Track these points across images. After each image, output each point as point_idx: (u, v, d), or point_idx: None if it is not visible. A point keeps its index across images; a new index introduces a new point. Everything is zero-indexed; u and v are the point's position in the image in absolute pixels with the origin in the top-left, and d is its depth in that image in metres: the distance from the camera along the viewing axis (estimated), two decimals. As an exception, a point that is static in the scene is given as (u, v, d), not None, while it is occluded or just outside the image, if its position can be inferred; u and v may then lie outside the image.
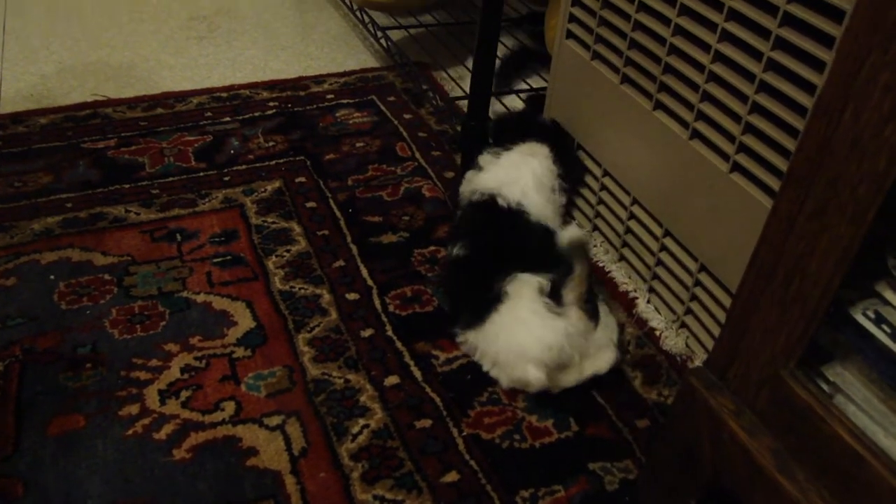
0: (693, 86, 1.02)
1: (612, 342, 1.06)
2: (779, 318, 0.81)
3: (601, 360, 1.05)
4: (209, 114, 1.65)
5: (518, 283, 1.05)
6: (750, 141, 0.95)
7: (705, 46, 0.98)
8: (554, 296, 1.02)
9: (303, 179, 1.47)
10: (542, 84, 1.51)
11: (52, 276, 1.23)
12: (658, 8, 1.04)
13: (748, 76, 0.93)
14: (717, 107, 0.99)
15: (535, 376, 1.01)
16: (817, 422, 0.78)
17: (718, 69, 0.97)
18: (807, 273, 0.76)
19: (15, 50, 1.86)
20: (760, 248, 0.84)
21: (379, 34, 1.66)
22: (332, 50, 1.94)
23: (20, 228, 1.32)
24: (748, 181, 0.97)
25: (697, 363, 1.11)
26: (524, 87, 1.50)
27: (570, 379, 1.05)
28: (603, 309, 1.08)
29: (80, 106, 1.65)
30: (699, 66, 1.00)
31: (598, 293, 1.11)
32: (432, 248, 1.33)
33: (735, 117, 0.97)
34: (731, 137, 0.98)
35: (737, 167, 0.98)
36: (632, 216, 1.20)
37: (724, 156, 0.99)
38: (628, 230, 1.21)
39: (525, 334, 1.02)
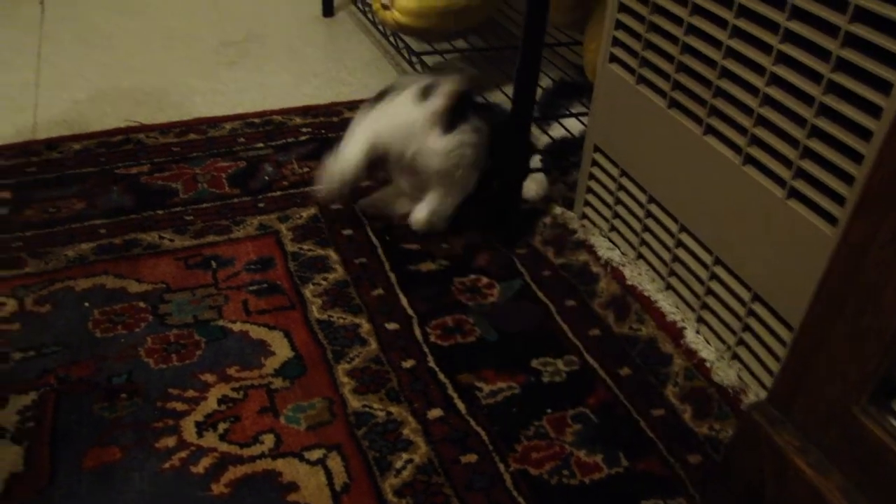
0: (746, 110, 0.99)
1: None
2: (849, 353, 0.78)
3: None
4: (242, 140, 1.63)
5: (405, 83, 1.29)
6: (808, 166, 0.92)
7: (760, 69, 0.95)
8: (424, 95, 1.25)
9: (339, 206, 1.44)
10: (582, 110, 1.48)
11: (86, 304, 1.21)
12: (708, 30, 1.02)
13: (806, 99, 0.90)
14: (773, 131, 0.96)
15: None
16: (891, 459, 0.74)
17: (774, 92, 0.94)
18: (881, 304, 0.72)
19: (49, 76, 1.86)
20: (828, 278, 0.80)
21: (413, 59, 1.65)
22: (365, 75, 1.92)
23: (54, 255, 1.30)
24: (806, 208, 0.94)
25: (751, 396, 1.07)
26: (564, 113, 1.47)
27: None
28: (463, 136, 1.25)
29: (114, 132, 1.64)
30: (753, 90, 0.97)
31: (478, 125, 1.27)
32: (472, 276, 1.30)
33: (792, 142, 0.94)
34: (787, 162, 0.95)
35: (794, 193, 0.95)
36: (679, 244, 1.16)
37: (780, 181, 0.96)
38: (675, 258, 1.18)
39: (391, 108, 1.27)
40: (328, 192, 1.30)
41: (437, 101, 1.23)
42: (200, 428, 1.03)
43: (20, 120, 1.68)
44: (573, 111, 1.49)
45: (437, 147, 1.24)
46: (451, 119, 1.23)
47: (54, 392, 1.07)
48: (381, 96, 1.33)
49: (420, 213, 1.34)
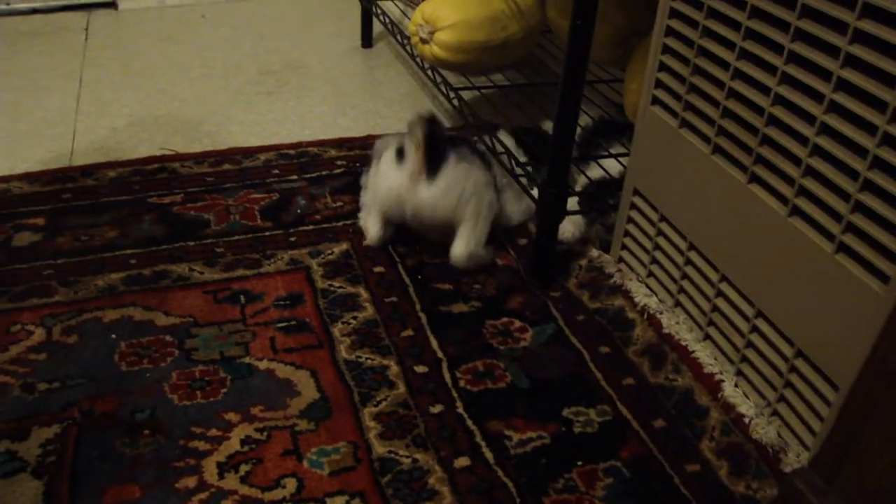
0: (794, 159, 0.95)
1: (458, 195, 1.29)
2: (903, 423, 0.73)
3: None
4: (276, 171, 1.63)
5: (383, 146, 1.35)
6: (859, 220, 0.88)
7: (810, 118, 0.92)
8: (399, 156, 1.29)
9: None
10: (622, 151, 1.45)
11: (113, 336, 1.20)
12: (756, 76, 0.98)
13: (859, 151, 0.87)
14: (822, 182, 0.92)
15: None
16: (948, 541, 0.69)
17: (824, 142, 0.91)
18: (940, 375, 0.68)
19: (89, 103, 1.87)
20: (881, 343, 0.76)
21: (451, 94, 1.63)
22: (401, 108, 1.91)
23: (84, 284, 1.30)
24: (856, 263, 0.90)
25: (791, 456, 1.02)
26: (603, 153, 1.45)
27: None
28: (452, 174, 1.28)
29: (148, 160, 1.64)
30: (802, 139, 0.94)
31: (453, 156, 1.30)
32: (505, 319, 1.27)
33: (842, 194, 0.90)
34: (836, 216, 0.91)
35: (843, 248, 0.91)
36: (720, 294, 1.12)
37: (829, 235, 0.92)
38: (715, 308, 1.14)
39: (378, 180, 1.33)
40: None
41: (410, 158, 1.27)
42: (222, 469, 1.00)
43: (58, 146, 1.69)
44: (612, 151, 1.46)
45: (430, 197, 1.28)
46: (429, 167, 1.27)
47: (77, 426, 1.05)
48: (369, 163, 1.41)
49: (457, 250, 1.33)
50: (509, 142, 1.53)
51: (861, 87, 0.85)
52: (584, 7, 1.11)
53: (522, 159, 1.48)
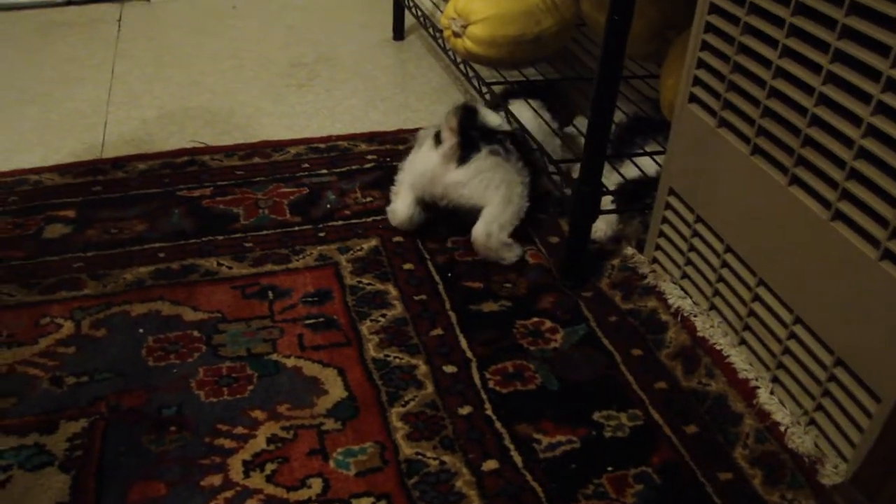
0: (838, 162, 0.92)
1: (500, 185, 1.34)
2: (951, 440, 0.70)
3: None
4: (306, 165, 1.62)
5: (426, 133, 1.40)
6: (906, 226, 0.85)
7: (855, 119, 0.89)
8: (438, 140, 1.34)
9: (400, 239, 1.41)
10: (657, 149, 1.42)
11: (141, 330, 1.20)
12: (799, 74, 0.95)
13: (907, 155, 0.84)
14: (867, 186, 0.89)
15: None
16: None
17: (870, 144, 0.87)
18: None
19: (120, 94, 1.87)
20: (929, 355, 0.73)
21: (483, 88, 1.61)
22: (433, 102, 1.89)
23: (113, 277, 1.30)
24: (902, 271, 0.87)
25: (829, 467, 0.99)
26: (638, 151, 1.42)
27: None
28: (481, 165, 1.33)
29: (179, 152, 1.64)
30: (847, 141, 0.90)
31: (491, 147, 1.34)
32: (535, 319, 1.25)
33: (888, 199, 0.87)
34: (882, 221, 0.88)
35: (888, 255, 0.88)
36: (756, 298, 1.09)
37: (874, 241, 0.89)
38: (751, 313, 1.11)
39: (415, 160, 1.38)
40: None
41: (445, 142, 1.33)
42: (247, 467, 1.00)
43: (90, 137, 1.69)
44: (647, 149, 1.43)
45: (458, 179, 1.33)
46: (462, 152, 1.32)
47: (104, 420, 1.05)
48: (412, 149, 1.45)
49: (477, 228, 1.35)
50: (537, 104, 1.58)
51: (911, 89, 0.82)
52: (622, 1, 1.08)
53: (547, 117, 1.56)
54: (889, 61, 0.84)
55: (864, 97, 0.88)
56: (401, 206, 1.40)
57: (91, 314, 1.22)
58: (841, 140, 0.92)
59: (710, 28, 1.10)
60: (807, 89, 0.95)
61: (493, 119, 1.40)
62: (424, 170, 1.36)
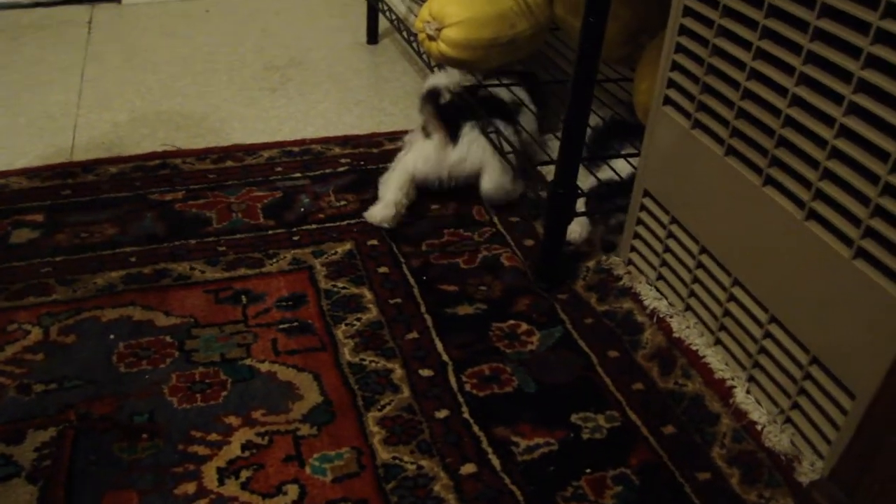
0: (812, 162, 0.93)
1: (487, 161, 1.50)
2: (927, 437, 0.71)
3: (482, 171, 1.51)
4: (279, 169, 1.60)
5: (413, 137, 1.56)
6: (879, 225, 0.85)
7: (828, 120, 0.89)
8: (426, 132, 1.52)
9: (375, 242, 1.40)
10: (631, 151, 1.43)
11: (112, 336, 1.18)
12: (773, 76, 0.96)
13: (880, 154, 0.84)
14: (840, 186, 0.90)
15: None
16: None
17: (843, 145, 0.88)
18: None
19: (90, 97, 1.85)
20: (904, 353, 0.74)
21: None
22: (407, 106, 1.89)
23: (83, 282, 1.28)
24: (875, 269, 0.87)
25: (805, 464, 1.00)
26: (612, 154, 1.42)
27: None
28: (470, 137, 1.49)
29: (150, 156, 1.62)
30: (820, 141, 0.91)
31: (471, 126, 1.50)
32: (511, 322, 1.24)
33: (861, 198, 0.87)
34: (855, 220, 0.88)
35: (861, 253, 0.88)
36: (732, 298, 1.10)
37: (847, 240, 0.90)
38: (727, 313, 1.12)
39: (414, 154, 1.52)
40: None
41: (434, 132, 1.49)
42: (222, 475, 0.98)
43: (59, 141, 1.67)
44: (622, 152, 1.43)
45: (458, 157, 1.49)
46: (451, 133, 1.48)
47: (73, 429, 1.03)
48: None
49: (485, 184, 1.50)
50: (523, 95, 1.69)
51: (883, 89, 0.82)
52: (597, 5, 1.08)
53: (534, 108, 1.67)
54: (860, 62, 0.84)
55: (837, 98, 0.88)
56: (391, 194, 1.46)
57: (60, 320, 1.20)
58: (814, 140, 0.92)
59: (683, 30, 1.10)
60: (780, 90, 0.96)
61: (451, 78, 1.56)
62: (427, 159, 1.49)
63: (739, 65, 1.01)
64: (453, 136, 1.48)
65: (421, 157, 1.50)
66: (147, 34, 2.21)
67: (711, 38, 1.04)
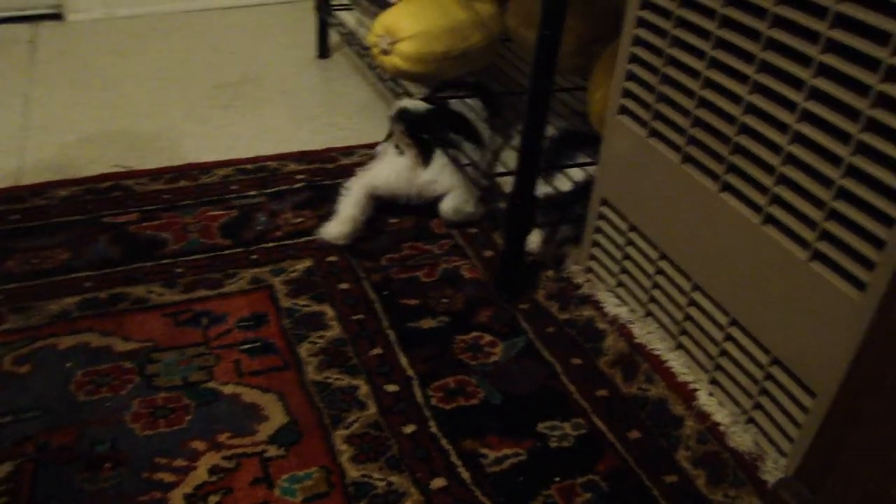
0: (767, 168, 0.95)
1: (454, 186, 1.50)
2: (891, 433, 0.73)
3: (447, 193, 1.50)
4: (235, 187, 1.58)
5: (384, 148, 1.57)
6: (834, 228, 0.87)
7: (782, 127, 0.91)
8: (399, 149, 1.51)
9: (334, 258, 1.39)
10: (587, 160, 1.44)
11: (68, 364, 1.15)
12: (727, 85, 0.98)
13: (833, 159, 0.86)
14: (796, 191, 0.92)
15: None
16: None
17: (798, 150, 0.90)
18: (927, 385, 0.68)
19: (37, 119, 1.81)
20: (865, 353, 0.76)
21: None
22: (361, 120, 1.88)
23: (37, 309, 1.24)
24: (831, 271, 0.89)
25: (769, 463, 1.02)
26: (568, 164, 1.44)
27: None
28: (442, 161, 1.50)
29: (102, 177, 1.59)
30: (775, 148, 0.93)
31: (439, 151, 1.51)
32: (475, 333, 1.24)
33: (816, 202, 0.89)
34: (811, 224, 0.90)
35: (818, 255, 0.91)
36: (692, 303, 1.11)
37: (804, 243, 0.92)
38: (688, 317, 1.13)
39: (383, 171, 1.52)
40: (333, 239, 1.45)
41: (407, 152, 1.50)
42: (190, 501, 0.96)
43: (6, 164, 1.63)
44: (578, 162, 1.44)
45: (428, 178, 1.50)
46: (423, 158, 1.49)
47: (32, 462, 1.00)
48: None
49: (444, 205, 1.50)
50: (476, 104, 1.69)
51: (834, 97, 0.85)
52: (552, 17, 1.09)
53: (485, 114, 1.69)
54: (812, 70, 0.86)
55: (790, 105, 0.90)
56: (348, 209, 1.46)
57: (14, 349, 1.17)
58: (769, 147, 0.94)
59: (638, 41, 1.12)
60: (735, 99, 0.97)
61: (420, 107, 1.53)
62: (398, 176, 1.51)
63: (694, 74, 1.03)
64: (426, 157, 1.49)
65: (394, 172, 1.50)
66: (94, 52, 2.17)
67: (666, 49, 1.06)
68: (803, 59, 0.87)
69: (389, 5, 1.70)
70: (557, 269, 1.37)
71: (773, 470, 1.01)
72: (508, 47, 1.81)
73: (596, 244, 1.30)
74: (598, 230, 1.29)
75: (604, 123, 1.24)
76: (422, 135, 1.48)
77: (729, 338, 1.06)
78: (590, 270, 1.33)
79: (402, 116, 1.47)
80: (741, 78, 0.96)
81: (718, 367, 1.10)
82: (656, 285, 1.19)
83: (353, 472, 1.01)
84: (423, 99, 1.59)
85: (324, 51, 2.20)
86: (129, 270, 1.34)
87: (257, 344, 1.20)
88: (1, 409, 1.07)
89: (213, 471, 1.00)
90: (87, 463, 1.01)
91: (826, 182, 0.87)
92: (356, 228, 1.45)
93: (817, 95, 0.87)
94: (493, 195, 1.42)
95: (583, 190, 1.38)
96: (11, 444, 1.03)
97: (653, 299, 1.20)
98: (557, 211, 1.38)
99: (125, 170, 1.62)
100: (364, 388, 1.13)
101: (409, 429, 1.08)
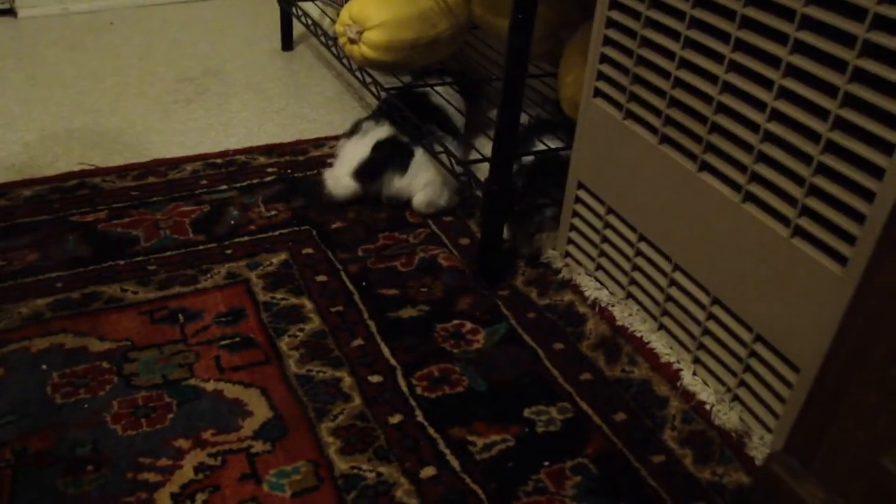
0: (746, 146, 0.95)
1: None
2: (878, 402, 0.74)
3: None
4: (204, 182, 1.56)
5: (365, 125, 1.55)
6: (814, 204, 0.88)
7: (760, 104, 0.92)
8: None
9: (310, 251, 1.38)
10: (558, 144, 1.44)
11: (44, 366, 1.12)
12: (703, 65, 0.98)
13: (812, 136, 0.87)
14: (775, 168, 0.93)
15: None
16: (929, 516, 0.70)
17: (776, 128, 0.91)
18: (916, 353, 0.69)
19: (-6, 118, 1.76)
20: (850, 323, 0.77)
21: (382, 94, 1.60)
22: (329, 112, 1.86)
23: (6, 312, 1.21)
24: (813, 247, 0.90)
25: (755, 439, 1.03)
26: (542, 147, 1.44)
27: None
28: (418, 164, 1.49)
29: (66, 176, 1.55)
30: (753, 126, 0.94)
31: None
32: (455, 321, 1.24)
33: (797, 179, 0.90)
34: (791, 200, 0.91)
35: (799, 231, 0.91)
36: (673, 283, 1.12)
37: (784, 220, 0.93)
38: (669, 298, 1.14)
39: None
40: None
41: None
42: (177, 500, 0.95)
43: (-36, 165, 1.59)
44: (549, 146, 1.45)
45: (404, 183, 1.49)
46: (401, 162, 1.49)
47: (10, 468, 0.98)
48: (354, 130, 1.56)
49: (419, 201, 1.49)
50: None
51: (811, 73, 0.85)
52: (525, 1, 1.09)
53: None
54: (788, 47, 0.87)
55: (767, 83, 0.91)
56: (345, 172, 1.49)
57: (-15, 353, 1.14)
58: (747, 125, 0.95)
59: (611, 23, 1.12)
60: (711, 78, 0.98)
61: (383, 132, 1.52)
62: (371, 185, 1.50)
63: (669, 55, 1.03)
64: (404, 163, 1.48)
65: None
66: (49, 48, 2.12)
67: (639, 30, 1.06)
68: (780, 37, 0.88)
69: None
70: (534, 256, 1.37)
71: (760, 446, 1.02)
72: (474, 35, 1.80)
73: (573, 228, 1.30)
74: (576, 214, 1.29)
75: (577, 107, 1.24)
76: (392, 153, 1.48)
77: (711, 317, 1.07)
78: (567, 255, 1.34)
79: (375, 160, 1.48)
80: (717, 57, 0.96)
81: (701, 347, 1.11)
82: (636, 267, 1.19)
83: (342, 465, 1.00)
84: (397, 94, 1.60)
85: (287, 43, 2.17)
86: (101, 269, 1.31)
87: (237, 339, 1.18)
88: (-25, 415, 1.05)
89: (198, 468, 0.99)
90: (69, 466, 0.98)
91: (805, 158, 0.88)
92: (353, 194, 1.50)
93: (794, 72, 0.88)
94: (467, 184, 1.41)
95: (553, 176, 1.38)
96: (-12, 451, 1.00)
97: (633, 281, 1.21)
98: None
99: (91, 167, 1.59)
100: (347, 380, 1.12)
101: (396, 419, 1.07)
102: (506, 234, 1.36)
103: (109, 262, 1.33)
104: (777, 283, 0.95)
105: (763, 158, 0.94)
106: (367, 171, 1.48)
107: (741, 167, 0.97)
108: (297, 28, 2.18)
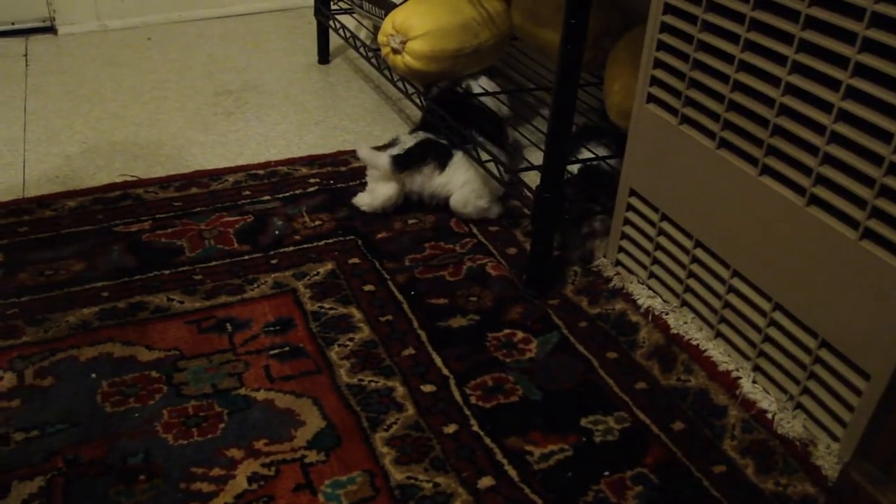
0: (811, 148, 0.93)
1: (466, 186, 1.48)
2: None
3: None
4: (247, 192, 1.55)
5: (402, 137, 1.54)
6: (884, 205, 0.86)
7: (825, 105, 0.90)
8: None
9: (356, 260, 1.37)
10: (606, 154, 1.43)
11: (93, 375, 1.12)
12: (764, 67, 0.96)
13: (882, 135, 0.85)
14: (842, 170, 0.91)
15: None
16: None
17: (842, 128, 0.89)
18: None
19: (37, 131, 1.77)
20: (937, 326, 0.74)
21: (425, 104, 1.59)
22: (368, 123, 1.86)
23: (54, 321, 1.21)
24: (884, 249, 0.88)
25: (821, 448, 1.00)
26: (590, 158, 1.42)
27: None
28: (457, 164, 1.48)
29: (109, 187, 1.56)
30: (818, 127, 0.92)
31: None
32: (507, 331, 1.22)
33: (865, 180, 0.88)
34: (860, 202, 0.89)
35: (868, 233, 0.89)
36: (731, 290, 1.10)
37: (852, 222, 0.90)
38: (727, 304, 1.11)
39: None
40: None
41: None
42: (231, 510, 0.93)
43: (8, 178, 1.59)
44: (599, 155, 1.43)
45: (443, 181, 1.49)
46: (440, 161, 1.48)
47: (63, 476, 0.97)
48: (392, 143, 1.53)
49: (456, 200, 1.48)
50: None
51: (881, 71, 0.83)
52: (578, 4, 1.07)
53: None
54: (857, 46, 0.85)
55: (833, 83, 0.89)
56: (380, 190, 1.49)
57: (34, 362, 1.13)
58: (811, 127, 0.93)
59: (665, 28, 1.10)
60: (772, 80, 0.96)
61: (410, 140, 1.51)
62: (411, 179, 1.49)
63: (727, 58, 1.02)
64: (443, 162, 1.48)
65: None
66: (89, 64, 2.13)
67: (696, 34, 1.05)
68: (848, 36, 0.86)
69: (391, 6, 1.68)
70: (586, 260, 1.35)
71: (827, 455, 0.99)
72: (516, 46, 1.80)
73: (625, 236, 1.28)
74: (627, 222, 1.27)
75: (625, 115, 1.23)
76: (430, 150, 1.48)
77: (772, 323, 1.05)
78: (619, 263, 1.32)
79: (401, 159, 1.46)
80: (779, 59, 0.94)
81: (762, 354, 1.08)
82: (691, 274, 1.17)
83: (398, 475, 0.98)
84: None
85: (324, 56, 2.17)
86: (147, 279, 1.31)
87: (286, 348, 1.17)
88: (26, 424, 1.04)
89: (252, 479, 0.97)
90: (121, 476, 0.97)
91: (875, 159, 0.86)
92: (388, 203, 1.50)
93: (861, 71, 0.86)
94: (513, 192, 1.40)
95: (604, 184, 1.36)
96: (40, 460, 0.99)
97: (688, 289, 1.19)
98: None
99: (133, 178, 1.59)
100: (400, 390, 1.11)
101: (451, 428, 1.05)
102: (555, 242, 1.34)
103: (154, 271, 1.32)
104: (845, 288, 0.93)
105: (829, 160, 0.92)
106: (405, 160, 1.46)
107: (805, 170, 0.94)
108: (333, 42, 2.18)
